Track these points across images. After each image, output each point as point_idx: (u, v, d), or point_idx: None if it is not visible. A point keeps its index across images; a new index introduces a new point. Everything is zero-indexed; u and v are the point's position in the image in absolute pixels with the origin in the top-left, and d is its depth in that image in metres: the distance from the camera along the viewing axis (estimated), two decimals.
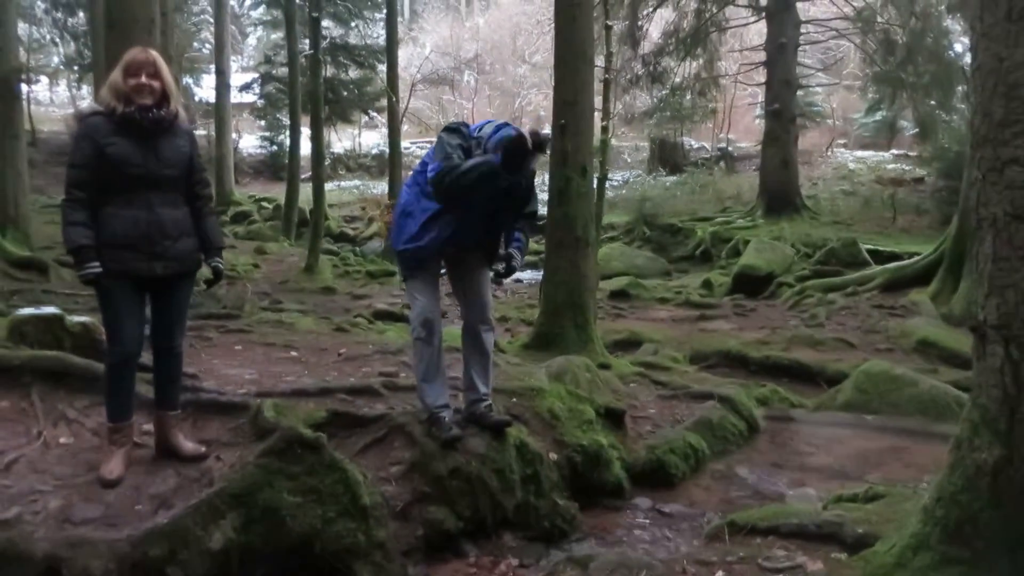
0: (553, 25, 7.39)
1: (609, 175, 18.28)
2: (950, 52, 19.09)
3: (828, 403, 6.11)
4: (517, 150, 3.20)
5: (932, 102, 19.38)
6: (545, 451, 3.43)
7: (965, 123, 18.68)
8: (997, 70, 1.52)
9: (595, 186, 10.90)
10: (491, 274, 3.50)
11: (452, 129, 3.47)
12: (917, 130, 21.53)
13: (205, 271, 3.16)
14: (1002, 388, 1.60)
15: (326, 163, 27.52)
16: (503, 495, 3.14)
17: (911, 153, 23.53)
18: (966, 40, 19.90)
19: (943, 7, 18.44)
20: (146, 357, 3.11)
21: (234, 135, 29.02)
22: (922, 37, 18.48)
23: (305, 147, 20.20)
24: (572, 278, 7.05)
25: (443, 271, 3.57)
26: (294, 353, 4.55)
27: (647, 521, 3.43)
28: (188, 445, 3.08)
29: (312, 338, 5.22)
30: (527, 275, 17.18)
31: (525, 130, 3.28)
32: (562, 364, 4.56)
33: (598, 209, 11.35)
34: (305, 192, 19.01)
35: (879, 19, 19.18)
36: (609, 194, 18.33)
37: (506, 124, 3.48)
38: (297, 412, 3.21)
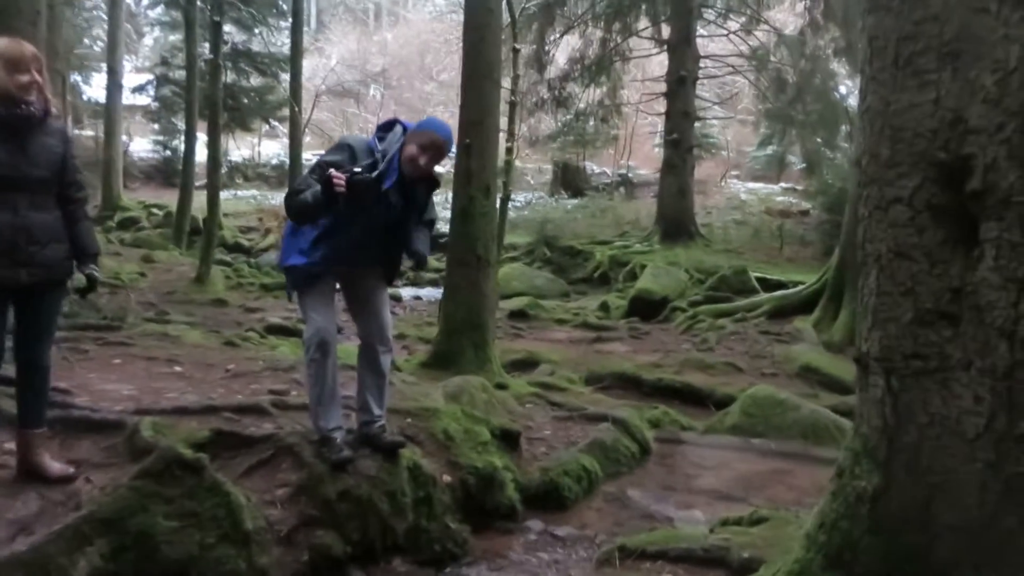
0: (461, 44, 7.41)
1: (512, 196, 18.46)
2: (836, 93, 20.21)
3: (717, 426, 6.27)
4: (327, 188, 3.02)
5: (818, 140, 20.44)
6: (438, 473, 3.37)
7: (848, 161, 19.80)
8: (884, 113, 1.60)
9: (498, 206, 10.98)
10: (389, 289, 3.41)
11: (338, 146, 3.31)
12: (804, 165, 22.68)
13: (80, 278, 2.96)
14: (882, 418, 1.67)
15: (223, 171, 26.70)
16: (394, 518, 3.06)
17: (798, 187, 24.71)
18: (851, 83, 21.17)
19: (830, 51, 19.51)
20: (10, 370, 2.89)
21: (124, 138, 27.76)
22: (811, 78, 19.50)
23: (201, 154, 19.52)
24: (472, 297, 7.03)
25: (338, 287, 3.44)
26: (178, 368, 4.34)
27: (539, 544, 3.41)
28: (54, 466, 2.86)
29: (199, 353, 4.99)
30: (426, 292, 17.10)
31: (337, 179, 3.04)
32: (459, 384, 4.52)
33: (500, 229, 11.40)
34: (199, 200, 18.37)
35: (772, 58, 20.12)
36: (512, 215, 18.45)
37: (428, 122, 3.33)
38: (178, 431, 3.05)
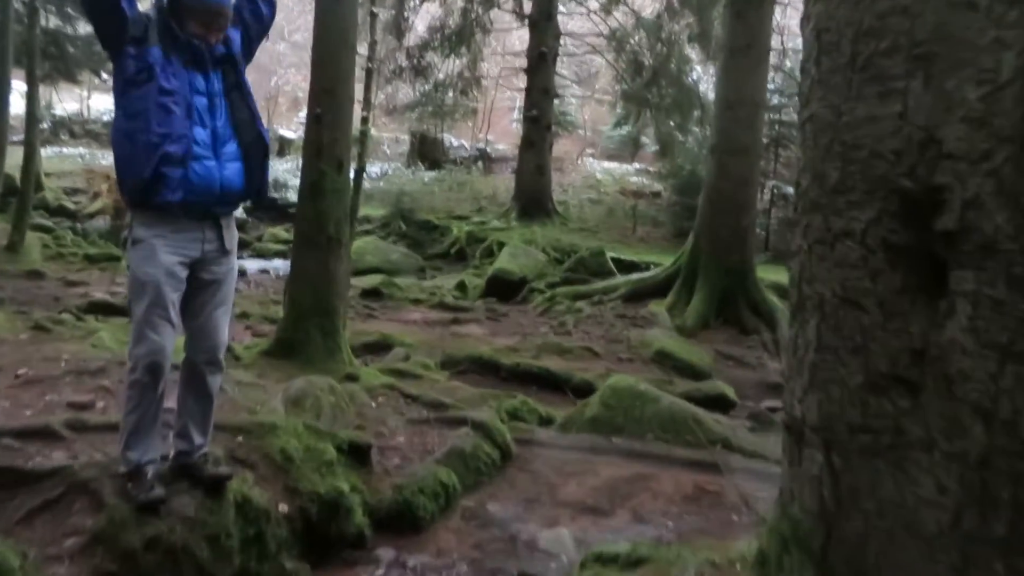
0: (314, 4, 6.77)
1: (368, 167, 17.75)
2: (690, 79, 20.68)
3: (577, 417, 6.10)
4: None
5: (672, 123, 20.90)
6: (274, 503, 2.91)
7: (698, 145, 20.40)
8: (833, 125, 1.27)
9: (352, 178, 10.37)
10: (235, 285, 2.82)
11: None
12: (657, 148, 23.19)
13: None
14: (819, 501, 1.37)
15: (45, 126, 24.32)
16: (216, 565, 2.58)
17: (651, 168, 25.29)
18: (703, 69, 21.74)
19: (685, 36, 19.92)
20: None
21: None
22: (666, 62, 19.85)
23: (18, 106, 17.54)
24: (321, 280, 6.49)
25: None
26: None
27: None
28: None
29: None
30: (274, 265, 16.15)
31: None
32: (302, 387, 4.04)
33: (354, 203, 10.80)
34: (15, 157, 16.49)
35: (630, 41, 20.32)
36: (367, 186, 17.79)
37: None
38: None
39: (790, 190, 18.35)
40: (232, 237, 2.78)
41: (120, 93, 2.63)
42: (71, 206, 20.88)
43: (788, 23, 17.88)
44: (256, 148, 2.74)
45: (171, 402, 3.02)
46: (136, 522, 2.47)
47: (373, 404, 5.60)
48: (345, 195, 6.72)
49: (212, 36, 2.69)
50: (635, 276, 11.97)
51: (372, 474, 3.52)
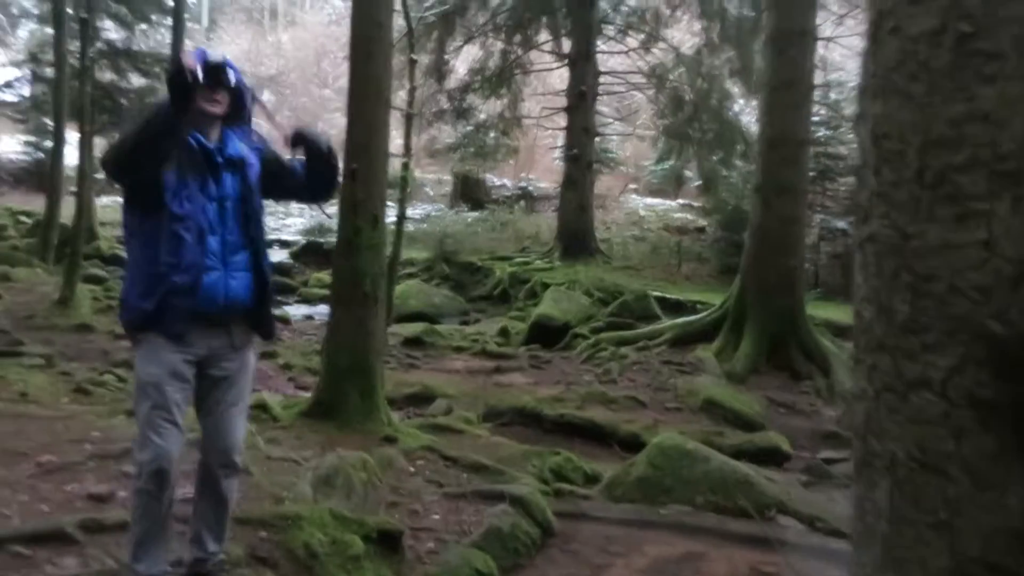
0: (348, 56, 6.76)
1: (410, 207, 17.80)
2: (731, 113, 20.46)
3: (623, 478, 5.87)
4: (179, 82, 2.39)
5: (714, 158, 20.65)
6: None
7: (742, 179, 20.09)
8: (900, 250, 1.05)
9: (395, 224, 10.34)
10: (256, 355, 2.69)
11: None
12: (700, 183, 22.93)
13: None
14: None
15: (98, 177, 24.99)
16: None
17: (695, 204, 24.98)
18: (744, 103, 21.48)
19: (726, 71, 19.75)
20: None
21: None
22: (707, 97, 19.67)
23: (73, 158, 18.02)
24: (358, 339, 6.39)
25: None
26: None
27: None
28: None
29: (12, 432, 4.17)
30: (319, 311, 16.19)
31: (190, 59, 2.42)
32: (333, 464, 3.90)
33: (396, 248, 10.79)
34: (70, 209, 16.92)
35: (670, 77, 20.21)
36: (410, 227, 17.85)
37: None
38: None
39: (840, 224, 17.90)
40: (242, 333, 2.64)
41: (129, 222, 2.55)
42: (125, 255, 21.37)
43: (831, 55, 17.59)
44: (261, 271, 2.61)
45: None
46: None
47: (411, 469, 5.46)
48: (381, 250, 6.64)
49: (216, 105, 2.54)
50: (681, 320, 11.68)
51: (403, 562, 3.35)
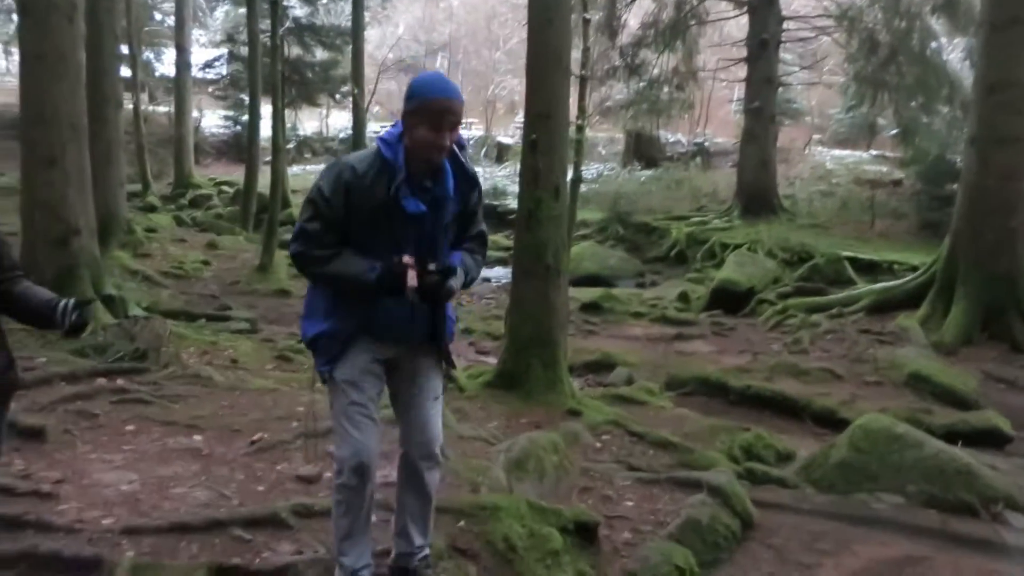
0: (527, 23, 6.62)
1: (583, 170, 17.58)
2: (935, 54, 18.58)
3: (821, 460, 5.49)
4: (394, 285, 2.39)
5: (914, 104, 18.89)
6: None
7: (947, 127, 18.27)
8: None
9: (569, 187, 10.18)
10: (442, 378, 2.66)
11: (328, 167, 2.47)
12: (897, 131, 21.11)
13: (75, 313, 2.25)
14: None
15: (290, 146, 26.59)
16: None
17: (890, 155, 23.08)
18: (947, 41, 19.46)
19: (927, 8, 17.90)
20: None
21: (196, 113, 27.88)
22: (907, 38, 17.94)
23: (267, 130, 19.21)
24: (540, 311, 6.34)
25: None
26: (197, 439, 3.77)
27: None
28: None
29: (227, 407, 4.43)
30: (496, 273, 16.40)
31: (411, 274, 2.37)
32: (524, 447, 3.86)
33: (571, 210, 10.65)
34: (266, 178, 18.10)
35: (864, 19, 18.60)
36: (583, 188, 17.66)
37: (426, 85, 2.41)
38: (167, 572, 2.46)
39: None
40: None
41: None
42: None
43: None
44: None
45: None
46: None
47: (597, 444, 5.37)
48: (563, 222, 6.52)
49: (443, 137, 2.41)
50: (879, 285, 10.81)
51: (600, 554, 3.25)
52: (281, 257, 14.77)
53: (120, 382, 4.63)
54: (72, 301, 2.25)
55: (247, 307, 11.41)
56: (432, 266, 2.39)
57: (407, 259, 2.38)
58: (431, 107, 2.37)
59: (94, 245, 7.39)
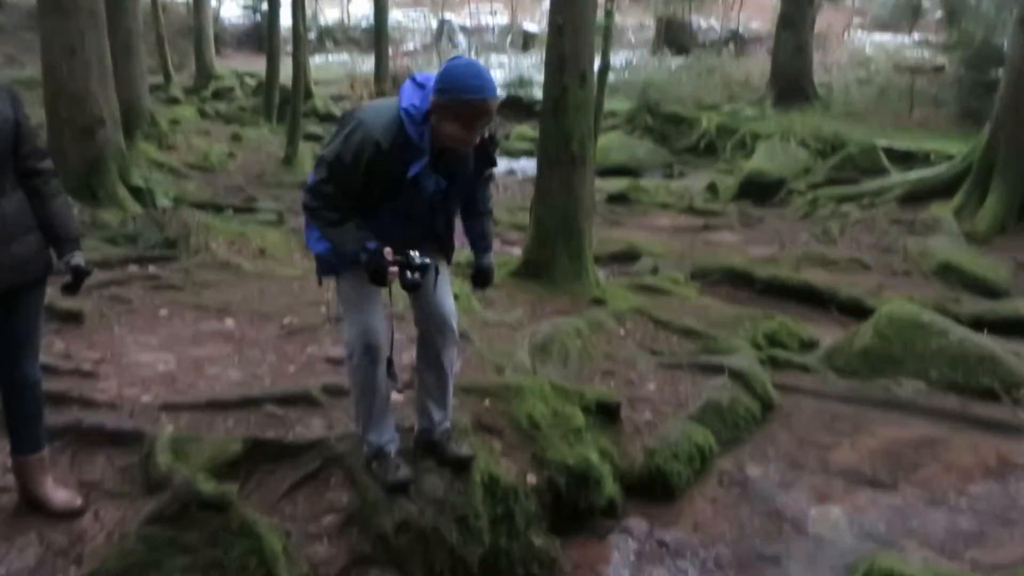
0: None
1: (611, 58, 17.06)
2: None
3: (845, 347, 5.51)
4: (376, 275, 2.43)
5: None
6: (521, 475, 2.82)
7: (995, 7, 17.36)
8: None
9: (597, 75, 9.91)
10: (450, 274, 2.73)
11: (360, 142, 2.40)
12: (942, 14, 20.15)
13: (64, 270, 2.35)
14: None
15: (312, 36, 26.03)
16: (466, 548, 2.54)
17: (933, 39, 22.10)
18: None
19: None
20: None
21: (214, 3, 27.23)
22: None
23: (287, 19, 18.77)
24: (565, 201, 6.29)
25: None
26: (229, 323, 3.86)
27: (642, 557, 2.86)
28: (58, 496, 2.41)
29: (256, 292, 4.50)
30: (521, 165, 16.22)
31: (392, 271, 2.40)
32: (548, 332, 3.91)
33: (599, 100, 10.40)
34: (288, 69, 17.81)
35: None
36: (611, 78, 17.17)
37: (459, 81, 2.33)
38: (204, 447, 2.57)
39: None
40: None
41: None
42: (337, 112, 22.35)
43: None
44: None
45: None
46: (387, 505, 2.47)
47: (621, 332, 5.41)
48: (589, 109, 6.38)
49: (475, 135, 2.40)
50: (913, 174, 10.55)
51: (622, 433, 3.34)
52: (305, 149, 14.71)
53: (152, 269, 4.73)
54: (79, 263, 2.33)
55: (273, 199, 11.42)
56: (415, 255, 2.42)
57: (389, 255, 2.40)
58: (466, 108, 2.34)
59: (119, 136, 7.38)
